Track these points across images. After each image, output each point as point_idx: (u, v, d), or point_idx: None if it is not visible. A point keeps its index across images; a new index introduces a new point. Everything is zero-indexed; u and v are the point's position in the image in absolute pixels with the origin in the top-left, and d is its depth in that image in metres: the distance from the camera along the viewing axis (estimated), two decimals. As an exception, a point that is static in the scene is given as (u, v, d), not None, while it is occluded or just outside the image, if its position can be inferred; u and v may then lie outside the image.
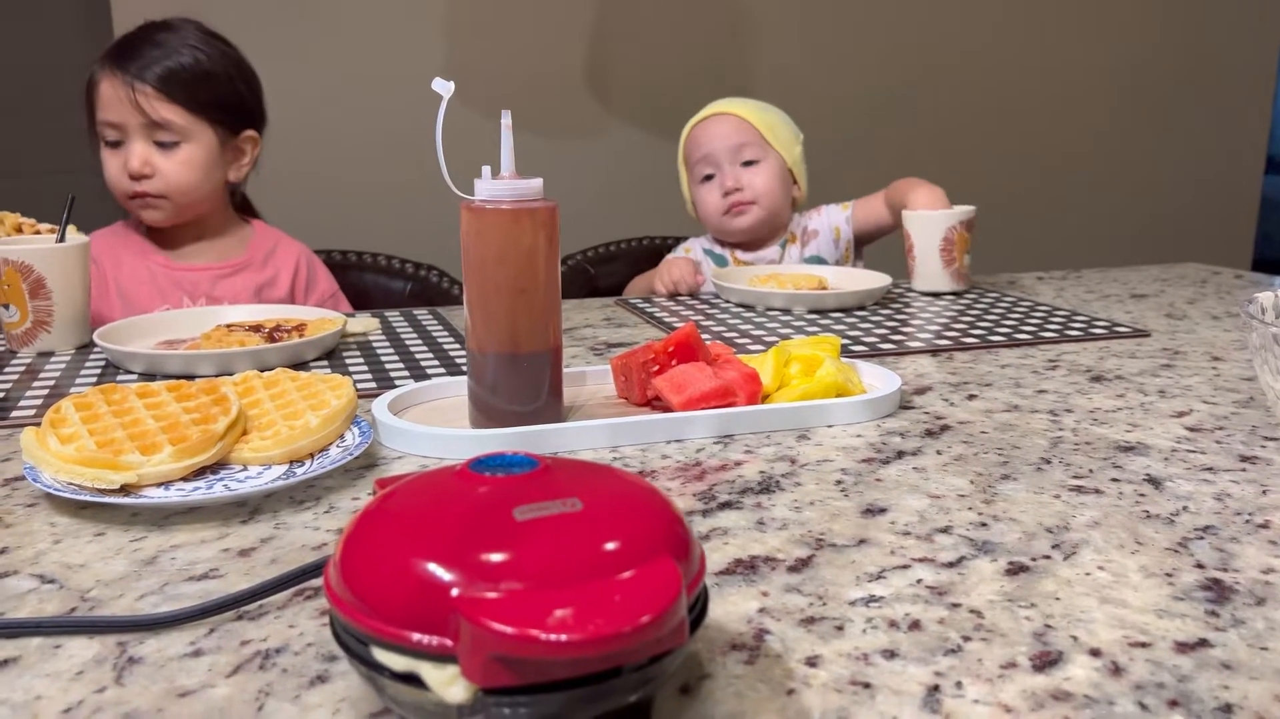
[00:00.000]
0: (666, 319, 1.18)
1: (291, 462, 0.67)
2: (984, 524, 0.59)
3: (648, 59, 2.52)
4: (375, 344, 1.04)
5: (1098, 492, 0.64)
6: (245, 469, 0.66)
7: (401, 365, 0.95)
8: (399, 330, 1.11)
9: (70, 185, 1.33)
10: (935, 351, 1.02)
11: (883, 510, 0.61)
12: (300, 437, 0.68)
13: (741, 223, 1.47)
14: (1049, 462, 0.70)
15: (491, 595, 0.34)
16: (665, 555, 0.36)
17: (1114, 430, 0.76)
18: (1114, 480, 0.66)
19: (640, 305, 1.27)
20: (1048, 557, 0.55)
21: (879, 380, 0.87)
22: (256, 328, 0.98)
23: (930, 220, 1.30)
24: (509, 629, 0.32)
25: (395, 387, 0.87)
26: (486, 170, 0.72)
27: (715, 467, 0.69)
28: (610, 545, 0.36)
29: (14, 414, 0.79)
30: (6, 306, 0.97)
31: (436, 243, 2.13)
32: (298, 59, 2.30)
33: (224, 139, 1.29)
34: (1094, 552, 0.55)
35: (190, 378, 0.88)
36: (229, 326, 0.98)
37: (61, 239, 1.01)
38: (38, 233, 1.07)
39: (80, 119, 1.27)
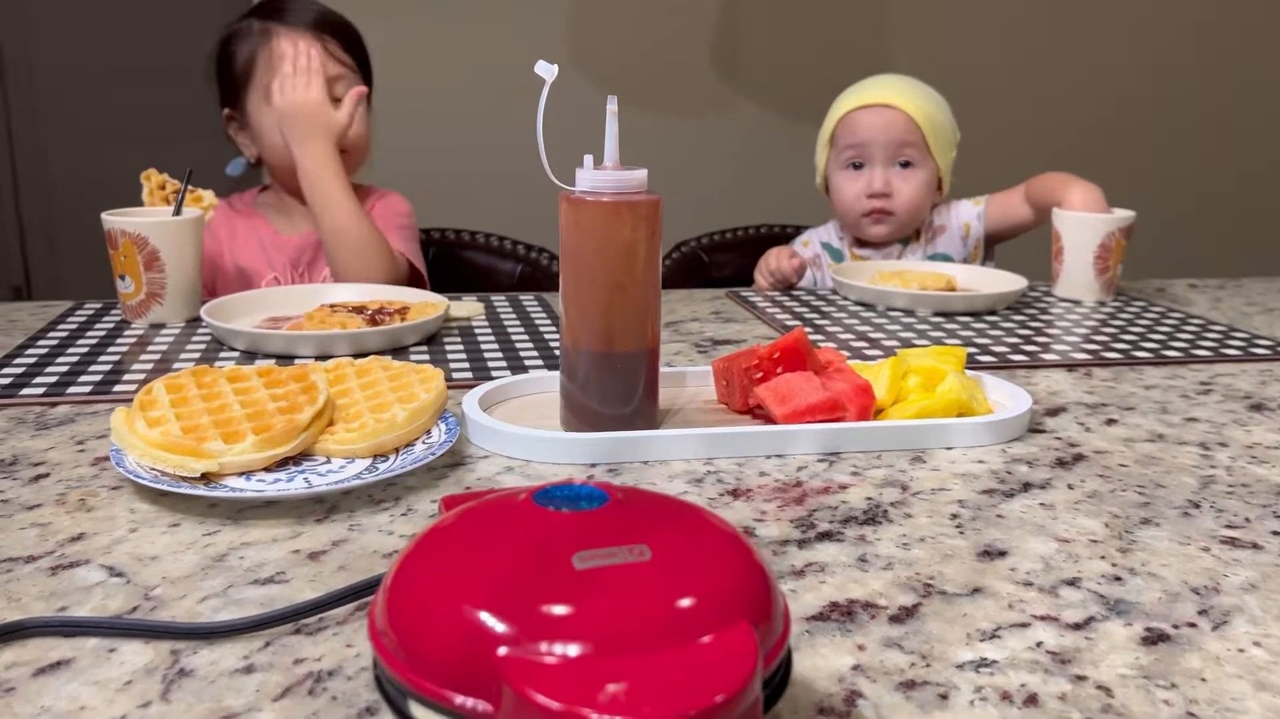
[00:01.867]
0: (779, 315, 1.13)
1: (375, 456, 0.66)
2: (1118, 578, 0.52)
3: (778, 34, 2.44)
4: (477, 330, 1.02)
5: (1255, 546, 0.56)
6: (329, 462, 0.65)
7: (500, 355, 0.92)
8: (502, 316, 1.08)
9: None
10: (1072, 366, 0.94)
11: (1002, 553, 0.55)
12: (385, 431, 0.65)
13: (877, 230, 1.38)
14: (1198, 505, 0.62)
15: (540, 659, 0.30)
16: (742, 620, 0.32)
17: (1277, 472, 0.68)
18: (1275, 534, 0.58)
19: (752, 299, 1.22)
20: (1193, 624, 0.48)
21: (1007, 398, 0.79)
22: (360, 309, 0.97)
23: (1088, 224, 1.20)
24: (555, 705, 0.28)
25: (491, 378, 0.85)
26: (588, 159, 0.68)
27: (817, 489, 0.63)
28: (679, 605, 0.32)
29: (116, 389, 0.79)
30: (123, 278, 0.98)
31: (548, 225, 2.11)
32: (418, 33, 2.32)
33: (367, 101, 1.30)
34: (1249, 622, 0.48)
35: (290, 358, 0.88)
36: (332, 307, 0.97)
37: (177, 212, 1.02)
38: (176, 192, 1.09)
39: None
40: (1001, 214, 1.38)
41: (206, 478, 0.60)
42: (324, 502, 0.59)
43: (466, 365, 0.88)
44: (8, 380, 0.80)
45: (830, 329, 1.06)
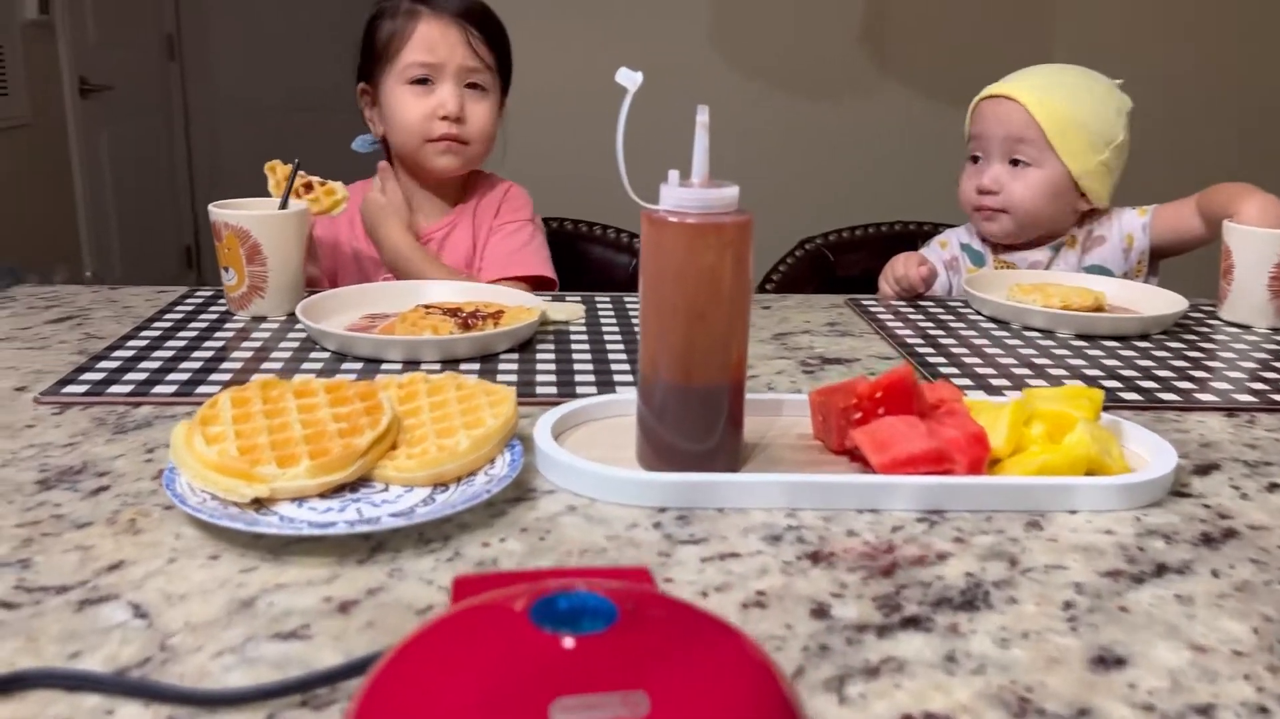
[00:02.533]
0: (899, 330, 1.04)
1: (435, 484, 0.62)
2: (1264, 709, 0.43)
3: (933, 11, 2.29)
4: (574, 335, 0.97)
5: None
6: (385, 489, 0.61)
7: (591, 367, 0.87)
8: (602, 320, 1.04)
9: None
10: (1232, 410, 0.82)
11: (1121, 661, 0.47)
12: (446, 460, 0.62)
13: (990, 228, 1.28)
14: (1377, 613, 0.51)
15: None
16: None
17: None
18: None
19: (872, 309, 1.13)
20: (1358, 787, 0.39)
21: (1148, 451, 0.70)
22: (454, 311, 0.94)
23: (1262, 239, 1.06)
24: None
25: (576, 394, 0.80)
26: (674, 175, 0.62)
27: (911, 558, 0.56)
28: (672, 780, 0.26)
29: (199, 391, 0.79)
30: (226, 269, 0.99)
31: None
32: (552, 15, 2.29)
33: (501, 98, 1.28)
34: None
35: (379, 363, 0.86)
36: (427, 308, 0.95)
37: (284, 205, 1.02)
38: (308, 184, 1.08)
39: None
40: (1170, 226, 1.24)
41: (258, 503, 0.58)
42: (371, 537, 0.56)
43: (554, 378, 0.84)
44: (100, 375, 0.81)
45: (954, 350, 0.97)
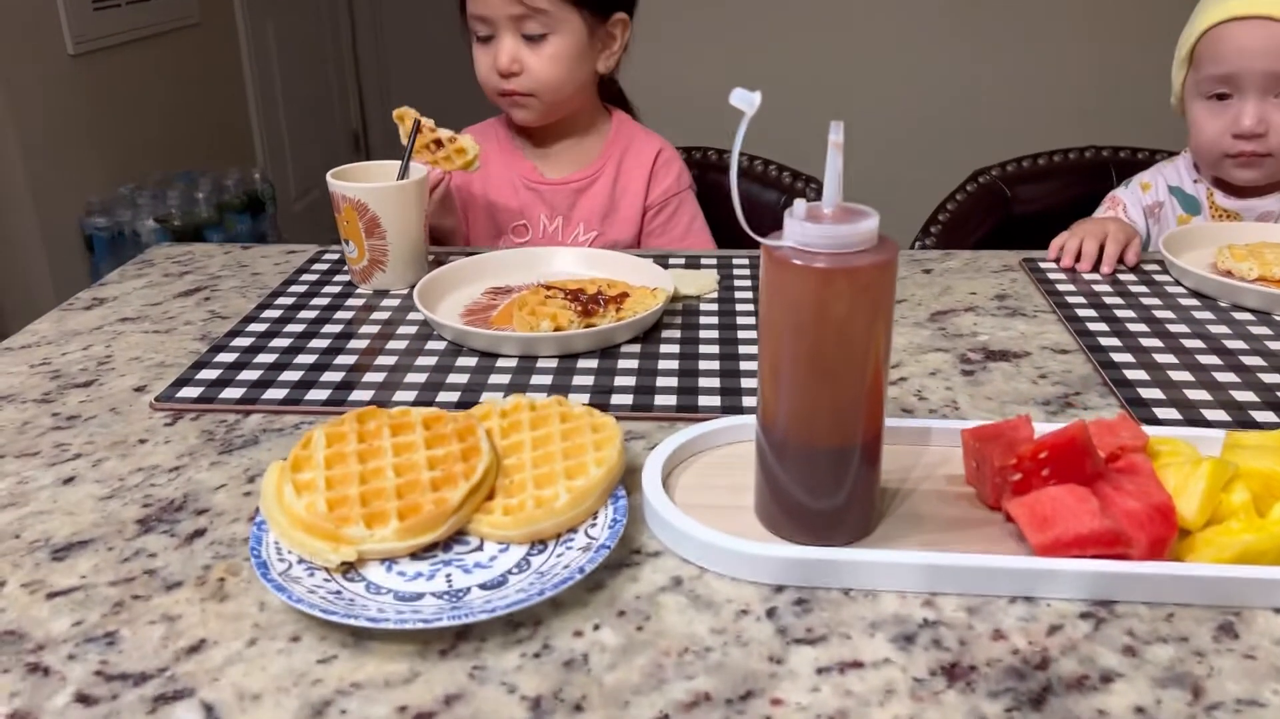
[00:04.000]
0: (1081, 310, 0.90)
1: (532, 542, 0.57)
2: None
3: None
4: (703, 316, 0.90)
5: None
6: (480, 547, 0.57)
7: (717, 365, 0.80)
8: (737, 292, 0.95)
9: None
10: None
11: None
12: (543, 518, 0.57)
13: (1245, 175, 1.08)
14: None
15: None
16: None
17: None
18: None
19: (1049, 274, 0.99)
20: None
21: (1384, 520, 0.57)
22: (577, 293, 0.87)
23: None
24: None
25: (699, 409, 0.73)
26: (800, 204, 0.53)
27: (1069, 679, 0.47)
28: None
29: (308, 397, 0.76)
30: (347, 242, 0.95)
31: (817, 153, 1.89)
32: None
33: (593, 26, 1.17)
34: None
35: (495, 356, 0.82)
36: (548, 288, 0.89)
37: (403, 175, 0.97)
38: (437, 140, 1.03)
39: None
40: None
41: (344, 566, 0.55)
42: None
43: (675, 381, 0.77)
44: (215, 374, 0.79)
45: (1145, 342, 0.83)
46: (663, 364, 0.80)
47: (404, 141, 1.01)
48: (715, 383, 0.77)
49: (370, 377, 0.79)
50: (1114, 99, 1.92)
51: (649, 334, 0.86)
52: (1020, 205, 1.31)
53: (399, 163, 0.99)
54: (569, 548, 0.56)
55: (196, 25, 2.87)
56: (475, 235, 1.24)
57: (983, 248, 1.27)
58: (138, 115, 2.59)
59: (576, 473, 0.59)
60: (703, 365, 0.80)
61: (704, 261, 1.04)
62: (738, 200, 0.52)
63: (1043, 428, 0.62)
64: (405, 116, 1.02)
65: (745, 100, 0.50)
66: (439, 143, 1.02)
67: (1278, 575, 0.52)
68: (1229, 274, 0.94)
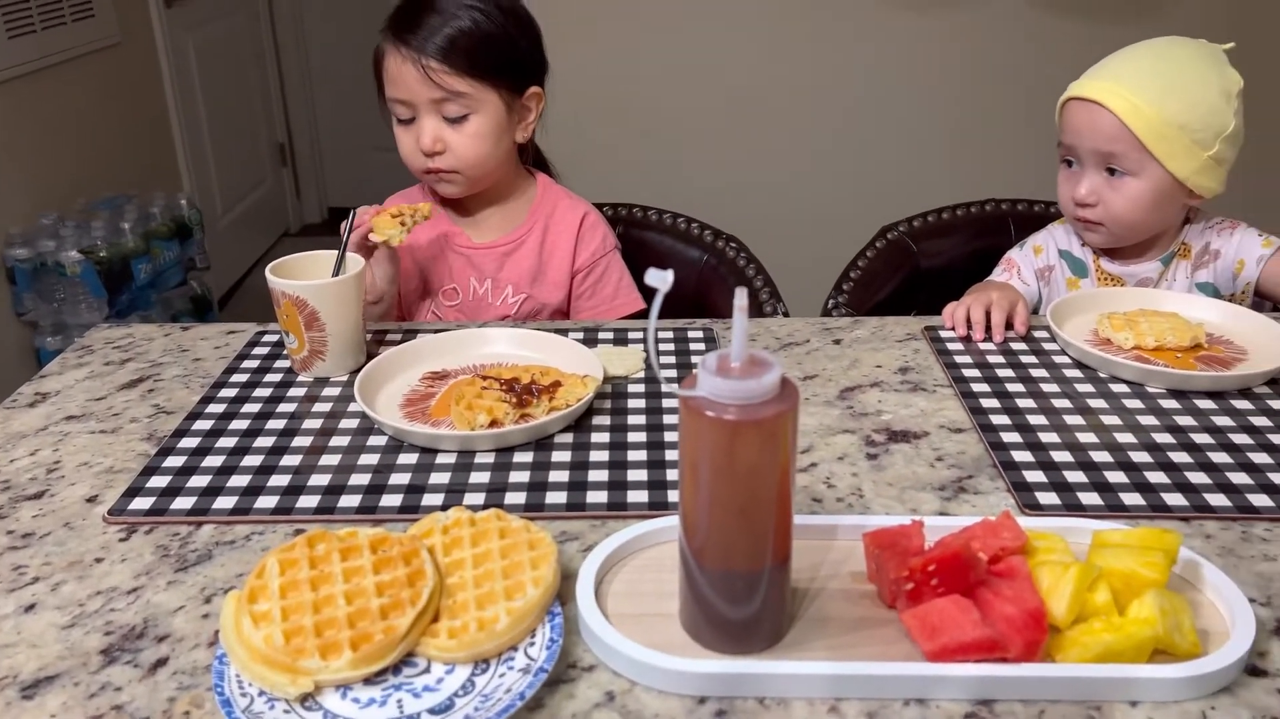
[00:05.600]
0: (975, 384, 0.98)
1: (476, 662, 0.63)
2: None
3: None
4: (632, 397, 0.95)
5: None
6: (428, 669, 0.62)
7: (645, 455, 0.86)
8: (664, 370, 1.01)
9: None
10: (1331, 523, 0.76)
11: None
12: (485, 640, 0.62)
13: (1091, 238, 1.19)
14: None
15: None
16: None
17: None
18: None
19: (948, 344, 1.07)
20: None
21: (1225, 605, 0.65)
22: (512, 383, 0.92)
23: None
24: None
25: (627, 504, 0.79)
26: (711, 359, 0.59)
27: (950, 783, 0.55)
28: None
29: (258, 504, 0.80)
30: (287, 334, 0.99)
31: (741, 212, 1.98)
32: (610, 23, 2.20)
33: (509, 101, 1.21)
34: None
35: (435, 452, 0.86)
36: (484, 378, 0.94)
37: (337, 271, 1.00)
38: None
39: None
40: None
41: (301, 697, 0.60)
42: (410, 742, 0.57)
43: (606, 475, 0.83)
44: (166, 481, 0.83)
45: (1032, 419, 0.91)
46: (594, 455, 0.86)
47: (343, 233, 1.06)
48: (643, 475, 0.83)
49: (316, 479, 0.83)
50: (1013, 154, 2.04)
51: (580, 422, 0.91)
52: (926, 260, 1.39)
53: (335, 253, 1.02)
54: (510, 667, 0.62)
55: (117, 45, 2.83)
56: (406, 300, 1.28)
57: (892, 303, 1.35)
58: (58, 141, 2.56)
59: (515, 592, 0.65)
60: (631, 457, 0.86)
61: (631, 335, 1.09)
62: (656, 361, 0.57)
63: (936, 523, 0.70)
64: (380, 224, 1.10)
65: (659, 279, 0.55)
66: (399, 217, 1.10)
67: (1132, 673, 0.60)
68: (1108, 343, 1.03)
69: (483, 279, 1.29)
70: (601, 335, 1.09)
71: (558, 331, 1.07)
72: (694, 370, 0.60)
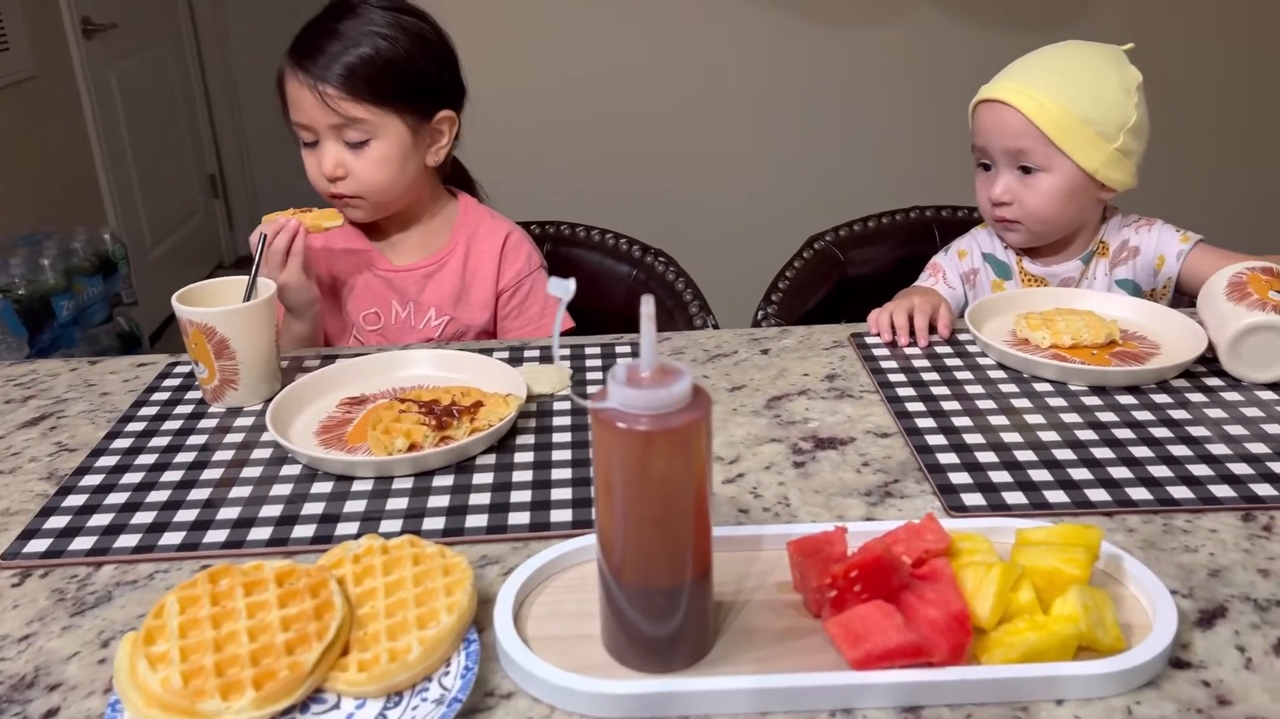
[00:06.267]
0: (901, 389, 0.98)
1: (388, 695, 0.60)
2: None
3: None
4: (557, 414, 0.93)
5: None
6: (337, 705, 0.60)
7: (570, 474, 0.84)
8: (591, 386, 0.99)
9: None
10: (1249, 512, 0.77)
11: None
12: (397, 672, 0.60)
13: (1010, 238, 1.21)
14: None
15: None
16: None
17: None
18: None
19: (874, 351, 1.07)
20: None
21: (1147, 598, 0.65)
22: (431, 405, 0.90)
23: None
24: None
25: (550, 524, 0.77)
26: (621, 367, 0.57)
27: (877, 794, 0.53)
28: None
29: (162, 542, 0.77)
30: (197, 363, 0.95)
31: (670, 227, 1.98)
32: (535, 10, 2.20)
33: (415, 126, 1.19)
34: None
35: (351, 479, 0.84)
36: (403, 401, 0.91)
37: (248, 296, 0.97)
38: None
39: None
40: (1202, 272, 1.12)
41: (204, 739, 0.57)
42: (317, 784, 0.55)
43: (529, 495, 0.81)
44: (64, 521, 0.79)
45: (957, 421, 0.91)
46: (517, 476, 0.84)
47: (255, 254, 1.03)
48: (567, 494, 0.81)
49: (225, 513, 0.80)
50: (936, 162, 2.07)
51: (503, 442, 0.89)
52: (854, 268, 1.40)
53: (247, 278, 0.99)
54: (424, 698, 0.59)
55: (32, 79, 2.76)
56: (328, 326, 1.25)
57: (821, 311, 1.35)
58: (-27, 177, 2.48)
59: (429, 620, 0.62)
60: (555, 475, 0.84)
61: (559, 352, 1.07)
62: (558, 359, 0.56)
63: (860, 529, 0.69)
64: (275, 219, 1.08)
65: (561, 288, 0.54)
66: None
67: (1056, 672, 0.59)
68: (1026, 343, 1.04)
69: (405, 302, 1.26)
70: (528, 354, 1.08)
71: (482, 351, 1.04)
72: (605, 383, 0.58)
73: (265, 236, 1.02)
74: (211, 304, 0.96)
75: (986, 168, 1.18)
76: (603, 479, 0.59)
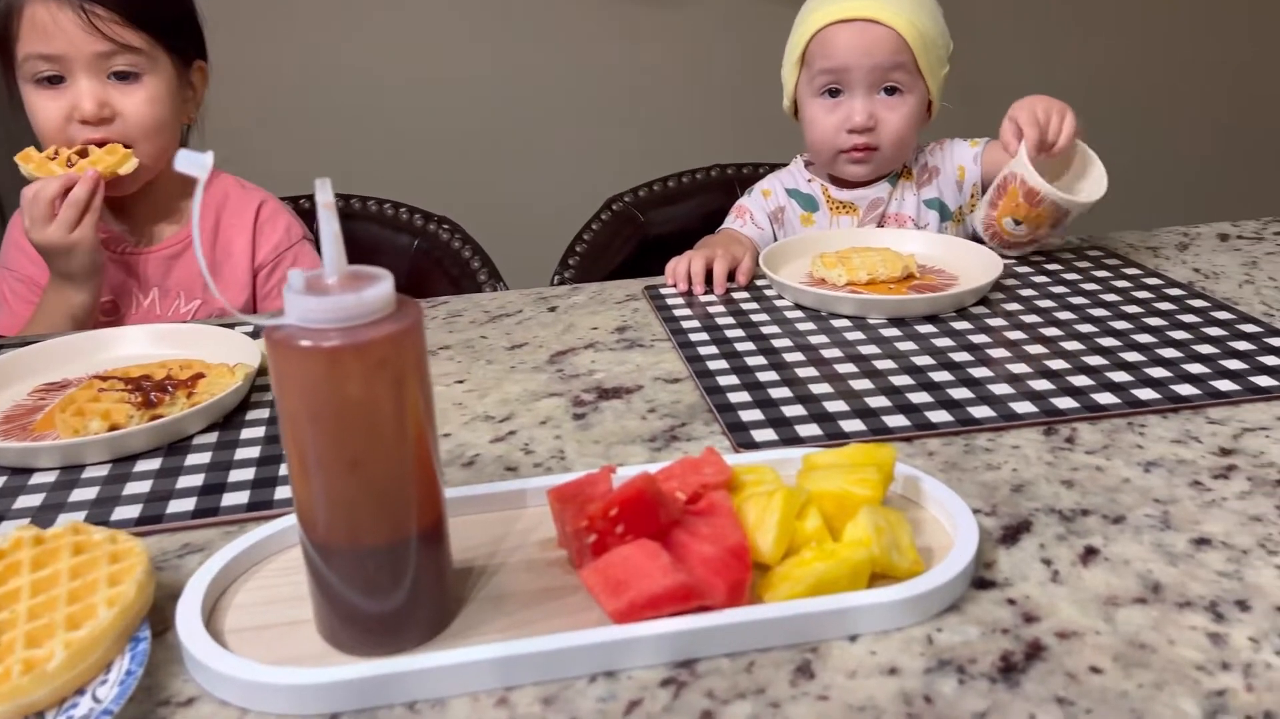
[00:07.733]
0: (694, 334, 0.90)
1: (25, 717, 0.46)
2: None
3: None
4: (303, 387, 0.81)
5: None
6: (-46, 737, 0.46)
7: (307, 444, 0.71)
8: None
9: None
10: (1051, 425, 0.72)
11: None
12: (33, 688, 0.46)
13: (857, 170, 1.13)
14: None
15: None
16: None
17: (1319, 689, 0.47)
18: None
19: (669, 301, 0.99)
20: None
21: (947, 518, 0.58)
22: (140, 381, 0.76)
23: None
24: None
25: (273, 506, 0.64)
26: (297, 277, 0.46)
27: (639, 767, 0.43)
28: None
29: None
30: None
31: (451, 192, 1.85)
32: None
33: (180, 71, 1.05)
34: None
35: (29, 471, 0.69)
36: (104, 378, 0.76)
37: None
38: (80, 151, 0.99)
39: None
40: (996, 162, 1.11)
41: None
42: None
43: (252, 472, 0.68)
44: None
45: (751, 361, 0.84)
46: (240, 454, 0.71)
47: (33, 174, 0.95)
48: (300, 468, 0.69)
49: None
50: (732, 117, 2.02)
51: (230, 419, 0.76)
52: (655, 228, 1.32)
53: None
54: (70, 717, 0.46)
55: None
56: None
57: (622, 274, 1.26)
58: None
59: (83, 619, 0.49)
60: (289, 448, 0.71)
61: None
62: (206, 270, 0.44)
63: (630, 471, 0.60)
64: (31, 155, 0.98)
65: (195, 163, 0.42)
66: (82, 153, 0.96)
67: (846, 603, 0.51)
68: (823, 282, 0.98)
69: (148, 289, 1.10)
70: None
71: (225, 325, 0.90)
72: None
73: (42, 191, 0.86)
74: None
75: (834, 94, 1.12)
76: (288, 420, 0.47)
